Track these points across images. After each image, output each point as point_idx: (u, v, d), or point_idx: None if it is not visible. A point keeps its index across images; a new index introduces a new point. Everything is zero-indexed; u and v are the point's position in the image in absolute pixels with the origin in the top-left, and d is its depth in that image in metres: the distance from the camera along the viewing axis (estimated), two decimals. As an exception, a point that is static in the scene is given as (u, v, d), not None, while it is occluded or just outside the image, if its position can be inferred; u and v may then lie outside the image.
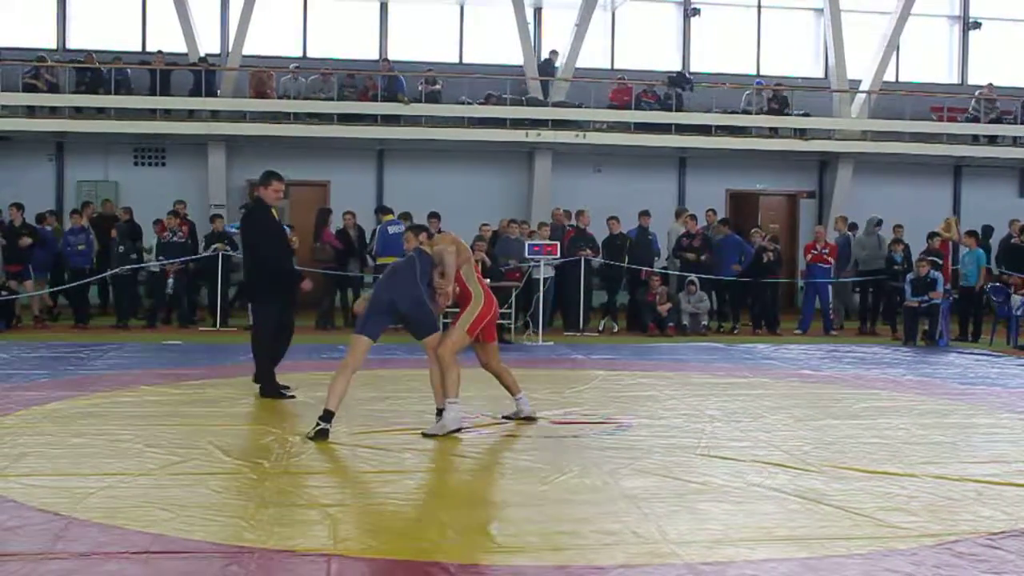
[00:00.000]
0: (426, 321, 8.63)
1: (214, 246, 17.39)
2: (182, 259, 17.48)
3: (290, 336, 10.64)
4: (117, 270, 17.35)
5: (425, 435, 8.35)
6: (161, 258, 17.60)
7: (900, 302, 17.75)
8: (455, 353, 8.66)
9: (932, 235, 18.70)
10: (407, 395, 10.05)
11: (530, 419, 9.05)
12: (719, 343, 16.65)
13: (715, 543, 5.60)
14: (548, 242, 16.86)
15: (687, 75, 23.64)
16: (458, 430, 8.44)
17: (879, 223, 19.67)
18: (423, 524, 5.92)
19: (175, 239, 17.71)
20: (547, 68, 23.39)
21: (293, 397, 10.13)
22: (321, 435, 8.09)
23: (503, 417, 9.15)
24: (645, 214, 18.89)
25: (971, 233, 18.37)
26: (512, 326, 16.56)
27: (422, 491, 6.84)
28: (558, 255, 16.81)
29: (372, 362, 11.98)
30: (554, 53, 23.56)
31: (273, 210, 10.43)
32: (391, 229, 17.51)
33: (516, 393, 9.13)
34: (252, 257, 10.51)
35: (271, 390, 10.18)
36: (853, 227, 20.40)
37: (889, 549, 5.55)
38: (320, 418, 8.21)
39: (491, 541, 5.64)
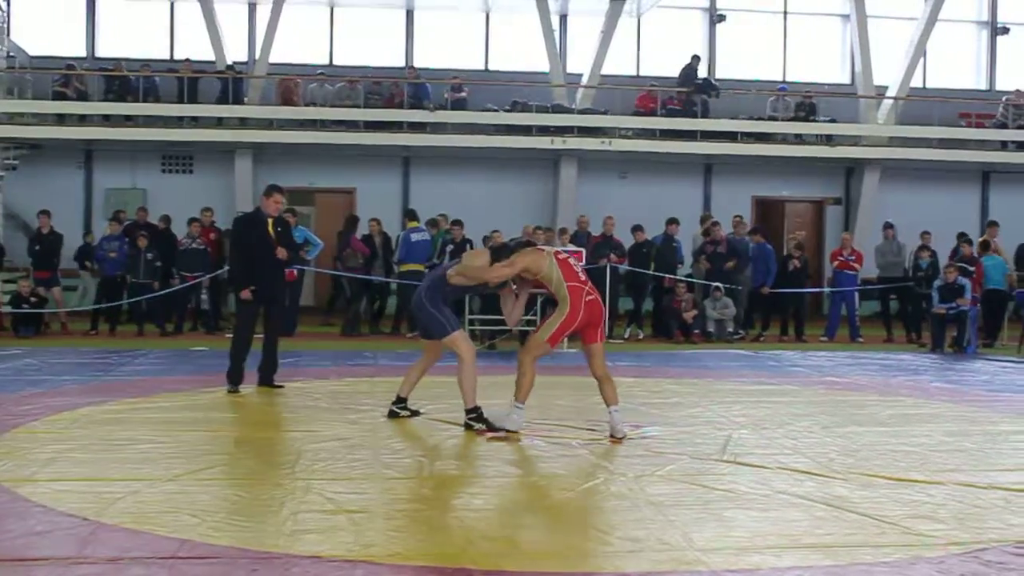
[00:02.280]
0: (430, 324, 9.01)
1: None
2: (201, 273, 17.57)
3: (274, 343, 11.43)
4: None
5: (468, 424, 8.71)
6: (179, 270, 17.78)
7: (927, 309, 17.65)
8: (533, 360, 8.66)
9: (962, 236, 18.61)
10: (428, 402, 10.05)
11: (616, 439, 8.57)
12: (745, 350, 16.59)
13: (741, 550, 5.58)
14: (575, 248, 16.84)
15: (713, 81, 23.59)
16: (511, 433, 8.48)
17: (889, 226, 19.50)
18: (448, 530, 5.92)
19: (194, 246, 17.78)
20: (689, 72, 23.38)
21: (281, 387, 11.12)
22: (471, 425, 8.82)
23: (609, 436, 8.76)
24: (673, 222, 18.76)
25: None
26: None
27: (447, 497, 6.85)
28: (583, 262, 16.77)
29: (389, 369, 12.02)
30: (696, 58, 23.50)
31: (270, 222, 11.11)
32: (414, 236, 17.61)
33: (610, 404, 8.67)
34: (230, 257, 12.02)
35: (236, 378, 11.04)
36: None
37: (916, 557, 5.52)
38: (471, 418, 8.84)
39: (517, 548, 5.64)
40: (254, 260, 11.05)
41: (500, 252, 8.82)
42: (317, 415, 9.61)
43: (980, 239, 18.92)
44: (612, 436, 8.61)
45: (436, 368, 9.66)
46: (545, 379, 11.49)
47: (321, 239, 18.29)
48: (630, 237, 18.51)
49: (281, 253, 11.15)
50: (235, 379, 11.01)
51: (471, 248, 17.42)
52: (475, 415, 8.82)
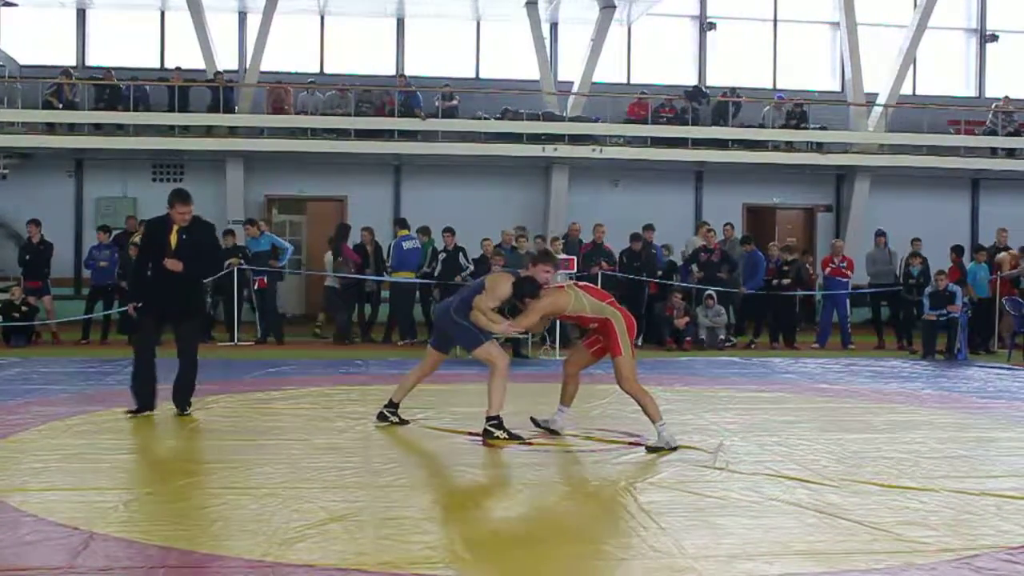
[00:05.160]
0: (458, 336, 9.02)
1: (228, 261, 17.33)
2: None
3: (189, 363, 10.01)
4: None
5: (488, 431, 8.64)
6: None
7: (917, 316, 17.68)
8: (636, 379, 8.62)
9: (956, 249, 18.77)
10: (420, 410, 10.05)
11: (553, 432, 9.00)
12: (736, 357, 16.61)
13: (732, 558, 5.58)
14: (565, 256, 16.82)
15: (704, 89, 23.65)
16: (675, 448, 8.36)
17: (881, 234, 19.55)
18: (440, 538, 5.91)
19: None
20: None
21: (188, 415, 9.89)
22: (491, 433, 8.69)
23: (530, 418, 9.17)
24: (649, 228, 18.81)
25: (979, 248, 18.51)
26: (529, 341, 16.57)
27: (439, 505, 6.84)
28: (575, 270, 16.74)
29: (380, 377, 12.02)
30: (737, 93, 23.80)
31: (175, 228, 9.79)
32: (405, 244, 17.64)
33: (563, 404, 9.08)
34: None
35: (140, 400, 9.79)
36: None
37: (908, 564, 5.52)
38: (491, 425, 8.72)
39: (509, 555, 5.64)
40: (146, 270, 9.98)
41: (525, 284, 8.75)
42: (309, 423, 9.60)
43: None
44: (551, 430, 9.05)
45: (428, 378, 9.66)
46: (536, 387, 11.49)
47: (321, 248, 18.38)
48: (624, 243, 18.50)
49: (171, 264, 9.66)
50: (139, 401, 9.82)
51: (464, 256, 17.46)
52: (496, 423, 8.74)
